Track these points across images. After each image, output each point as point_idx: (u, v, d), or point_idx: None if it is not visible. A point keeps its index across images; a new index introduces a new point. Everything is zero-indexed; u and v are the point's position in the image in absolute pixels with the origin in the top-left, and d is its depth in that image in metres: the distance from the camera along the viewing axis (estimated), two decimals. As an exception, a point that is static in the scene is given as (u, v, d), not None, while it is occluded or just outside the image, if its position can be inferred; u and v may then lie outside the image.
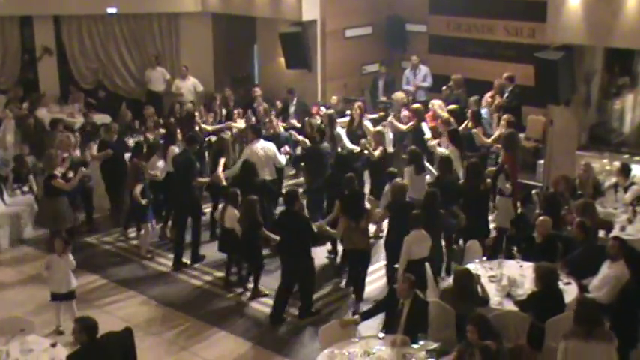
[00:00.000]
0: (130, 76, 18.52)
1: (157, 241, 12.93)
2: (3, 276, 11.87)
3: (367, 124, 14.30)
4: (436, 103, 14.66)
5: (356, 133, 14.10)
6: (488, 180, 11.89)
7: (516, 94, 14.83)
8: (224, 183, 12.45)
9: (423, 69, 16.78)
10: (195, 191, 12.31)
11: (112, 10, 17.58)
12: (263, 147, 12.78)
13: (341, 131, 13.90)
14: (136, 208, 12.33)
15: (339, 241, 11.42)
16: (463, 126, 13.72)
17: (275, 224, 10.88)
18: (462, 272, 8.97)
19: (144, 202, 12.08)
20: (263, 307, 10.81)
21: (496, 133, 13.48)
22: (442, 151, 12.87)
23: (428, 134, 13.88)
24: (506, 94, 14.93)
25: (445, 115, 13.85)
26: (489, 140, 13.45)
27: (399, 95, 15.34)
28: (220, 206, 11.95)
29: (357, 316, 8.86)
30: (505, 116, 13.49)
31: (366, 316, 8.91)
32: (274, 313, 10.43)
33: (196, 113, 15.03)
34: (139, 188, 12.07)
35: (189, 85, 17.59)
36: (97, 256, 12.56)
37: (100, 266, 12.13)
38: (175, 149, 12.89)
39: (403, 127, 14.13)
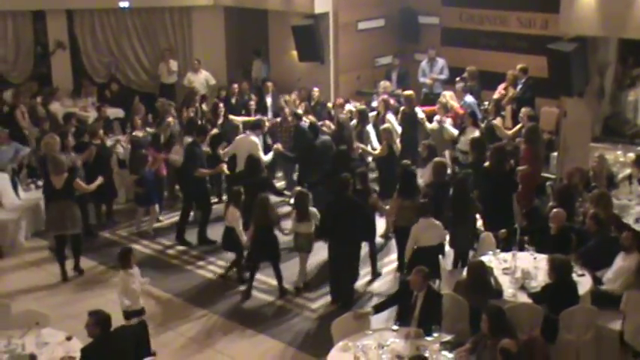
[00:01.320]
0: (142, 69, 18.57)
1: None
2: (19, 269, 11.95)
3: (390, 117, 14.18)
4: (448, 95, 14.71)
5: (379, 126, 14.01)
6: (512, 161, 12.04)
7: (530, 86, 14.76)
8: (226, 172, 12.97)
9: (440, 61, 16.72)
10: (199, 181, 12.55)
11: (124, 4, 17.61)
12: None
13: (371, 130, 13.83)
14: (138, 195, 12.95)
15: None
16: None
17: (327, 211, 10.71)
18: (476, 264, 8.96)
19: (140, 190, 12.79)
20: (268, 297, 10.92)
21: (517, 127, 13.41)
22: (451, 129, 13.52)
23: (428, 125, 14.18)
24: (519, 86, 14.87)
25: (454, 103, 14.33)
26: (510, 132, 13.42)
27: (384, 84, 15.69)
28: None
29: (370, 309, 8.87)
30: (524, 109, 13.40)
31: (380, 308, 8.92)
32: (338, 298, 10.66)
33: (221, 105, 15.15)
34: (133, 178, 12.98)
35: (202, 79, 17.59)
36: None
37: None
38: (188, 139, 13.01)
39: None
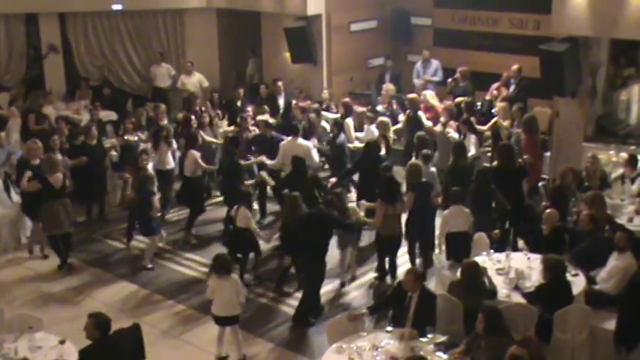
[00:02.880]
0: (135, 72, 18.55)
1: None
2: (11, 274, 11.89)
3: (349, 121, 14.39)
4: (428, 94, 15.00)
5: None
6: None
7: (523, 86, 14.80)
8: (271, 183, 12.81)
9: (434, 63, 16.73)
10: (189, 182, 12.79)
11: (117, 7, 17.60)
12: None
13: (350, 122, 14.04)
14: (144, 218, 11.83)
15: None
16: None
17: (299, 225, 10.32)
18: (470, 265, 8.96)
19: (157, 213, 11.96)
20: (262, 299, 10.89)
21: (507, 122, 13.57)
22: (455, 135, 13.18)
23: (427, 123, 14.17)
24: (512, 87, 14.91)
25: (434, 102, 14.64)
26: (505, 123, 13.56)
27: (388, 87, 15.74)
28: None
29: (365, 310, 8.87)
30: (516, 105, 13.61)
31: (374, 310, 8.92)
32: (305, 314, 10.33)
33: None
34: (156, 198, 11.78)
35: (195, 81, 17.59)
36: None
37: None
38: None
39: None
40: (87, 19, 17.89)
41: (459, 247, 10.17)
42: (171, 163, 13.52)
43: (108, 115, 16.58)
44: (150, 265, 11.91)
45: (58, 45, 17.76)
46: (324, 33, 16.93)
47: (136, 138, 13.86)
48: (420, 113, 14.36)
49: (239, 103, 16.07)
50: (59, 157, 12.44)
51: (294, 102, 15.35)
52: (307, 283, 10.37)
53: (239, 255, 11.22)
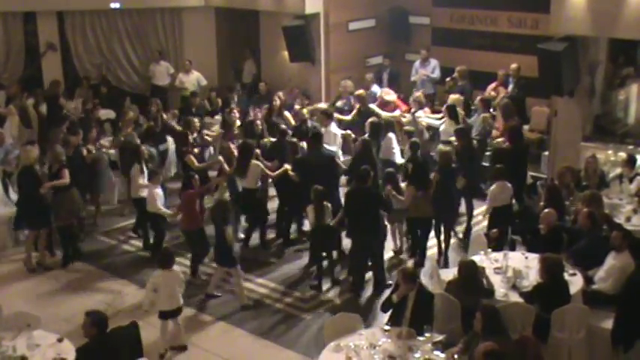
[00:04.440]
0: (133, 70, 18.54)
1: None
2: (9, 272, 11.90)
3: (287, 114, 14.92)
4: (384, 91, 15.75)
5: (275, 122, 14.50)
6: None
7: (522, 86, 14.82)
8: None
9: (432, 62, 16.69)
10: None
11: (115, 5, 17.57)
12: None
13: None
14: (223, 249, 10.67)
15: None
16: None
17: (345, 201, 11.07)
18: (467, 264, 8.96)
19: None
20: (267, 300, 10.88)
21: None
22: (427, 120, 14.42)
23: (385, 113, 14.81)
24: (510, 86, 14.91)
25: (392, 98, 15.44)
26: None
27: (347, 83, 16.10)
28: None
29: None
30: (479, 97, 14.47)
31: (386, 307, 8.88)
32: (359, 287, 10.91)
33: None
34: (230, 229, 10.71)
35: (193, 80, 17.59)
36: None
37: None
38: None
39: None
40: (85, 18, 17.84)
41: (503, 219, 11.08)
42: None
43: (106, 113, 16.54)
44: (217, 293, 10.98)
45: (56, 43, 17.74)
46: (323, 32, 16.90)
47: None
48: (372, 105, 15.02)
49: (235, 99, 16.03)
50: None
51: (297, 107, 15.33)
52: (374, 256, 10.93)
53: (324, 254, 11.34)
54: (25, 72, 17.71)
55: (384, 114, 14.71)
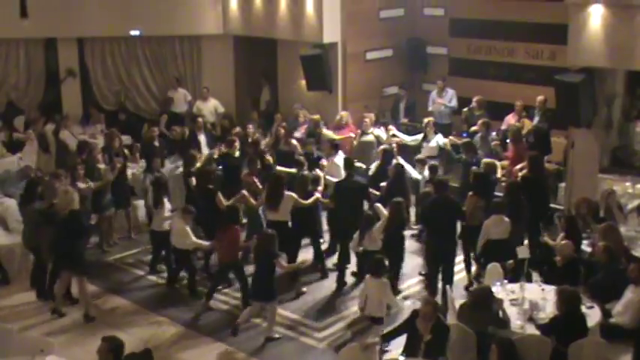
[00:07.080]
0: (152, 97, 18.68)
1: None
2: (25, 295, 11.88)
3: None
4: (344, 114, 16.09)
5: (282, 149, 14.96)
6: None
7: (548, 117, 14.69)
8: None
9: (450, 91, 16.67)
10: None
11: (135, 33, 17.76)
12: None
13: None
14: (262, 283, 10.38)
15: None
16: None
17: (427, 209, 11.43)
18: (483, 289, 9.03)
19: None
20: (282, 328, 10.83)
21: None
22: (380, 134, 15.33)
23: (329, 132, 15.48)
24: (536, 118, 14.82)
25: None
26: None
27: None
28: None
29: (377, 339, 8.81)
30: (481, 120, 14.62)
31: (388, 338, 8.86)
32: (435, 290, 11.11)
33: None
34: (283, 261, 10.92)
35: (211, 107, 17.71)
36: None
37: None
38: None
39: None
40: (105, 45, 18.06)
41: (497, 253, 10.70)
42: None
43: (124, 139, 16.62)
44: (277, 335, 10.54)
45: (75, 69, 17.92)
46: (340, 61, 16.98)
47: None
48: (322, 127, 15.68)
49: (251, 128, 15.99)
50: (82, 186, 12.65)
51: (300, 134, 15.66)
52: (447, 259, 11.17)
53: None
54: (45, 98, 17.90)
55: (337, 137, 15.23)
